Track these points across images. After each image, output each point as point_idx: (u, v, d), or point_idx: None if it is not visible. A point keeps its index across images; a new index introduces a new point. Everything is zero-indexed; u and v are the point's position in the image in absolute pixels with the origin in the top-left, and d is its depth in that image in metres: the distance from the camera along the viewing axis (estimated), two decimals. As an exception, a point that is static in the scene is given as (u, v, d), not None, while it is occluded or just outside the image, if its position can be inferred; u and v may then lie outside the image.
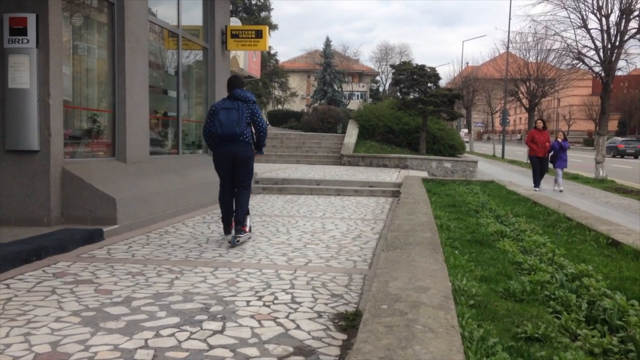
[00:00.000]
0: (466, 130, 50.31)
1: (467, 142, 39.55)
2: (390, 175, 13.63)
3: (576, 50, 19.72)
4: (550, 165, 15.34)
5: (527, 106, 31.52)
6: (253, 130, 5.90)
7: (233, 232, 5.86)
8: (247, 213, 6.02)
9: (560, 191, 14.30)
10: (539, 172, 14.67)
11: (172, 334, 3.11)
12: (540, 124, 15.02)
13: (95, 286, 4.09)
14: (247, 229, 5.98)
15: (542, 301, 3.56)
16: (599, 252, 5.05)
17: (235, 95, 5.78)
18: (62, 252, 5.19)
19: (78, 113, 7.08)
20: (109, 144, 7.46)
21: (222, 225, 6.14)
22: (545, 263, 4.45)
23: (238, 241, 5.77)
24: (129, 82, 7.44)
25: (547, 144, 14.69)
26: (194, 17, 10.37)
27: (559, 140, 15.28)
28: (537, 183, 14.58)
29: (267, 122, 41.67)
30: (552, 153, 15.14)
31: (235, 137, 5.66)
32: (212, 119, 5.76)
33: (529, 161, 16.54)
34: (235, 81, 5.95)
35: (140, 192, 6.95)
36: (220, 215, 6.01)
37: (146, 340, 3.01)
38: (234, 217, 5.91)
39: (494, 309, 3.30)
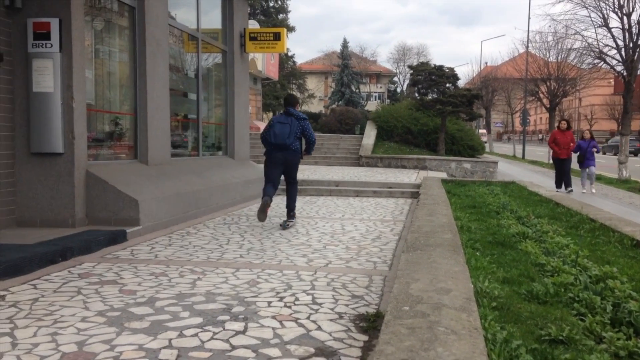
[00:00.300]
0: (484, 131, 49.88)
1: (486, 142, 39.30)
2: (409, 176, 13.58)
3: (597, 50, 19.48)
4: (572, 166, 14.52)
5: (548, 106, 31.19)
6: (303, 141, 7.12)
7: (264, 218, 6.82)
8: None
9: (583, 193, 13.80)
10: (561, 174, 14.04)
11: (196, 334, 3.14)
12: (564, 125, 14.24)
13: (119, 286, 4.15)
14: (294, 215, 7.29)
15: (566, 303, 3.52)
16: (623, 254, 4.97)
17: (289, 112, 6.99)
18: (87, 253, 5.28)
19: (101, 116, 7.19)
20: (131, 146, 7.55)
21: (242, 227, 6.74)
22: (569, 265, 4.40)
23: (288, 225, 6.99)
24: (150, 85, 7.53)
25: (572, 144, 13.97)
26: (212, 20, 10.46)
27: (586, 138, 14.30)
28: (559, 185, 14.01)
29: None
30: (578, 153, 14.27)
31: (285, 147, 6.87)
32: (269, 129, 6.95)
33: (551, 162, 16.01)
34: (290, 99, 7.18)
35: (162, 193, 7.03)
36: (263, 194, 6.89)
37: (170, 340, 3.05)
38: (286, 205, 7.26)
39: (517, 311, 3.27)
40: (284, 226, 6.91)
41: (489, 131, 46.71)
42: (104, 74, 7.28)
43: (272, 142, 6.86)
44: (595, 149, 14.14)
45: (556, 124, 15.98)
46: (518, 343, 2.67)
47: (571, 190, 13.48)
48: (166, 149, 8.06)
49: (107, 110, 7.33)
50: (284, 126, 6.86)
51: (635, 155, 44.28)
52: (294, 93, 48.59)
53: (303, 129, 6.95)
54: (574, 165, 14.73)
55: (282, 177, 7.27)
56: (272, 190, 6.93)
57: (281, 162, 6.96)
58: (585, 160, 14.08)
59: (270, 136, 6.85)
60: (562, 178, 13.99)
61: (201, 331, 3.20)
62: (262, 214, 6.64)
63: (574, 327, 3.02)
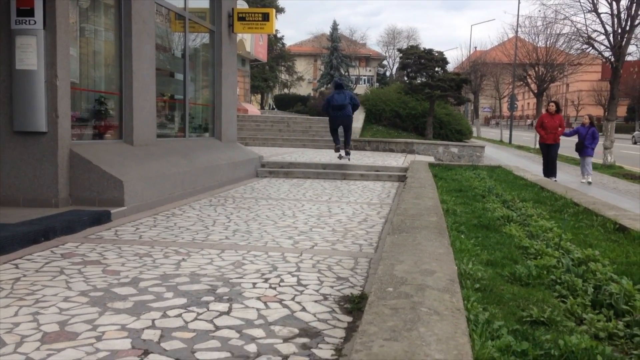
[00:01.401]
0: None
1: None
2: (396, 160, 13.59)
3: (586, 35, 19.55)
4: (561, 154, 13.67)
5: (536, 91, 31.31)
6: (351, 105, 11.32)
7: (342, 152, 11.77)
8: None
9: (589, 183, 12.91)
10: (549, 161, 12.92)
11: (179, 315, 3.13)
12: (552, 108, 12.88)
13: (103, 267, 4.12)
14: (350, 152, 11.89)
15: (548, 285, 3.55)
16: (605, 238, 5.03)
17: (341, 86, 11.45)
18: (70, 233, 5.23)
19: (85, 95, 7.08)
20: (116, 126, 7.46)
21: (228, 208, 6.50)
22: (552, 248, 4.44)
23: (343, 156, 11.61)
24: (136, 64, 7.42)
25: (560, 129, 12.71)
26: (200, -1, 10.31)
27: (585, 124, 13.51)
28: (546, 173, 12.81)
29: (274, 106, 41.65)
30: (577, 140, 13.54)
31: (343, 106, 10.98)
32: (331, 98, 11.13)
33: (537, 147, 15.71)
34: (340, 82, 11.66)
35: (147, 174, 6.97)
36: (335, 143, 11.73)
37: (153, 320, 3.04)
38: (345, 144, 11.69)
39: (500, 293, 3.30)
40: (342, 156, 11.48)
41: (476, 116, 46.84)
42: (88, 52, 7.15)
43: (334, 104, 10.85)
44: (594, 141, 13.31)
45: (543, 109, 15.67)
46: (500, 324, 2.69)
47: (555, 180, 12.39)
48: (152, 130, 7.97)
49: (92, 89, 7.22)
50: (340, 95, 11.04)
51: None
52: (283, 75, 48.37)
53: (351, 96, 11.09)
54: (574, 153, 13.91)
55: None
56: (338, 139, 11.49)
57: (340, 121, 11.15)
58: (584, 149, 13.33)
59: (333, 100, 10.86)
60: (550, 165, 12.99)
61: (185, 312, 3.19)
62: (338, 152, 11.59)
63: (556, 308, 3.05)
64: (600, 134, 16.78)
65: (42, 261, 4.27)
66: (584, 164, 13.50)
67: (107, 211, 5.97)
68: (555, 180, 12.42)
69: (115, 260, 4.34)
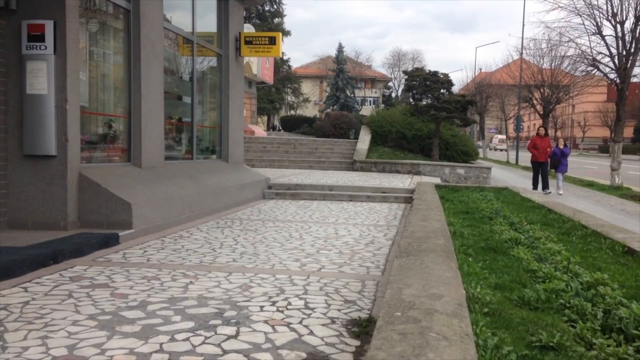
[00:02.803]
0: (502, 137, 51.23)
1: (504, 149, 40.48)
2: (402, 182, 13.59)
3: (591, 57, 19.58)
4: (549, 170, 16.29)
5: (541, 112, 31.32)
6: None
7: None
8: None
9: (560, 194, 14.89)
10: (539, 176, 15.76)
11: (187, 339, 3.13)
12: (542, 131, 16.27)
13: (111, 290, 4.13)
14: None
15: (557, 310, 3.53)
16: (614, 261, 5.00)
17: None
18: (79, 256, 5.25)
19: (94, 119, 7.17)
20: (125, 149, 7.53)
21: (235, 231, 6.66)
22: (560, 271, 4.42)
23: None
24: (145, 88, 7.52)
25: (549, 149, 15.81)
26: (208, 23, 10.46)
27: (560, 147, 16.19)
28: (535, 186, 15.61)
29: (280, 128, 41.84)
30: (553, 159, 15.98)
31: None
32: None
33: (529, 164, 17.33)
34: None
35: (155, 197, 7.01)
36: None
37: (161, 344, 3.04)
38: None
39: (509, 317, 3.28)
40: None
41: (482, 137, 46.82)
42: (98, 76, 7.26)
43: None
44: (565, 153, 15.99)
45: (535, 132, 17.42)
46: (509, 349, 2.68)
47: (549, 192, 14.87)
48: (160, 152, 8.04)
49: (101, 112, 7.31)
50: None
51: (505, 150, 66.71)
52: (289, 97, 48.76)
53: None
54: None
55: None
56: None
57: None
58: (560, 166, 15.77)
59: None
60: (539, 179, 15.73)
61: (193, 335, 3.19)
62: None
63: (565, 333, 3.03)
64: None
65: (50, 284, 4.28)
66: (559, 178, 15.87)
67: (115, 234, 6.00)
68: (549, 192, 14.95)
69: (123, 283, 4.35)
